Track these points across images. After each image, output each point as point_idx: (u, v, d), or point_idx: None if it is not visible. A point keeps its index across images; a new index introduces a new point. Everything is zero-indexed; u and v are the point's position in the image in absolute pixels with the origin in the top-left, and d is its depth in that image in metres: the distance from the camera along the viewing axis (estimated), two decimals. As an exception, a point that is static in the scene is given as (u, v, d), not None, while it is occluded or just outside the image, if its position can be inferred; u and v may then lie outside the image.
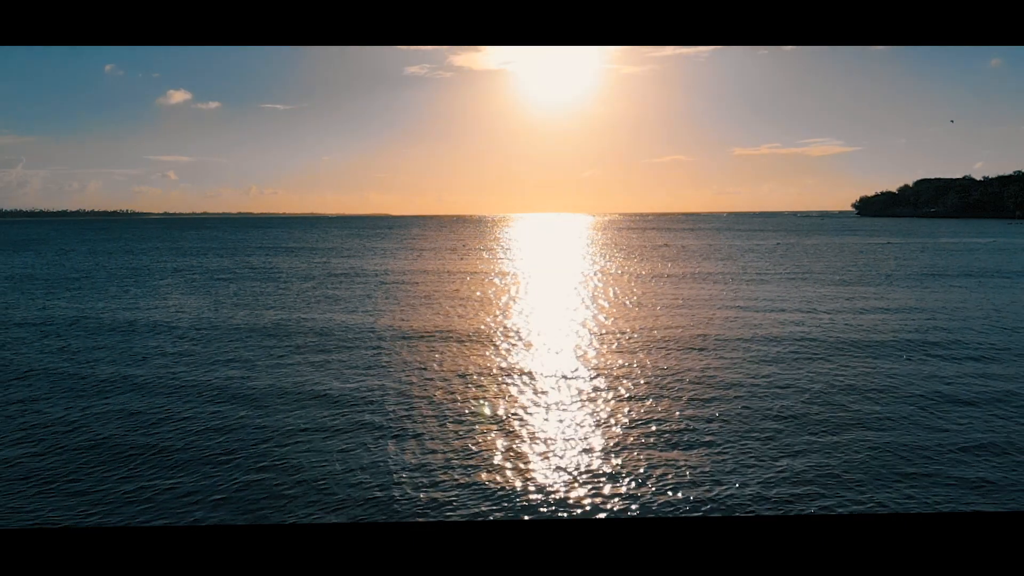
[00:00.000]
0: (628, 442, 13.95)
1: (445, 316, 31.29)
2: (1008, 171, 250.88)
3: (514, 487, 11.79)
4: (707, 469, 12.47)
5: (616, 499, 11.37)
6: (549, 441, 14.06)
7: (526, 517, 10.82)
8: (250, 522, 10.40)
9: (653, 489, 11.70)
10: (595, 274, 53.68)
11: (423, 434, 14.48)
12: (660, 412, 15.84)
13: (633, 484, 11.94)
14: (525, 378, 19.33)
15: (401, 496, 11.40)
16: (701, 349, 22.99)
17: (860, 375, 19.25)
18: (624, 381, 18.72)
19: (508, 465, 12.66)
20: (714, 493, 11.49)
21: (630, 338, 25.19)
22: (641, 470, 12.51)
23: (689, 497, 11.37)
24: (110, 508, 11.01)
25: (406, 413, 15.97)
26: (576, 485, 11.85)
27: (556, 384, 18.59)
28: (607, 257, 74.34)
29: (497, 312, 32.77)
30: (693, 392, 17.58)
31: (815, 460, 12.90)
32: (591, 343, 24.55)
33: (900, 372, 19.66)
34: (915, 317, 30.30)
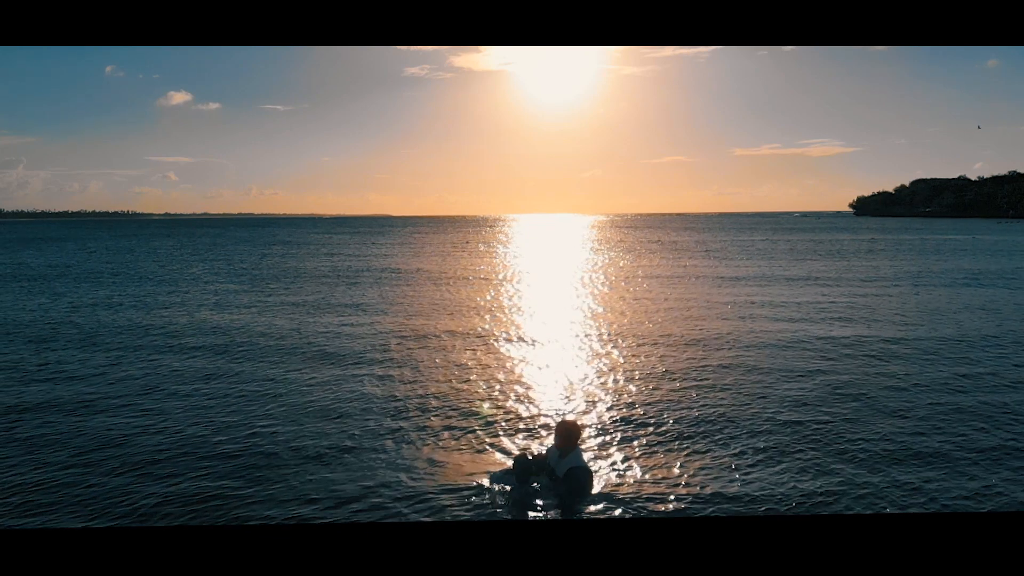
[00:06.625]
0: (622, 440, 13.97)
1: (447, 315, 31.30)
2: (1007, 172, 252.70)
3: (514, 487, 11.78)
4: (704, 467, 12.50)
5: (615, 499, 11.38)
6: (547, 439, 14.07)
7: (526, 517, 10.83)
8: (250, 522, 10.39)
9: (652, 489, 11.72)
10: (585, 271, 53.77)
11: (423, 433, 14.48)
12: (651, 409, 15.87)
13: (632, 483, 11.95)
14: (523, 376, 19.34)
15: (402, 496, 11.40)
16: (676, 340, 23.08)
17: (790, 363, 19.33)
18: (611, 374, 18.75)
19: (508, 464, 12.65)
20: (711, 493, 11.51)
21: (613, 332, 25.25)
22: (639, 469, 12.53)
23: (688, 497, 11.39)
24: (110, 509, 10.98)
25: (407, 412, 15.96)
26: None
27: (550, 379, 18.62)
28: (600, 254, 74.47)
29: (499, 311, 32.80)
30: (673, 386, 17.62)
31: (793, 457, 12.94)
32: (577, 338, 24.58)
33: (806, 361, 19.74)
34: (859, 306, 31.25)
